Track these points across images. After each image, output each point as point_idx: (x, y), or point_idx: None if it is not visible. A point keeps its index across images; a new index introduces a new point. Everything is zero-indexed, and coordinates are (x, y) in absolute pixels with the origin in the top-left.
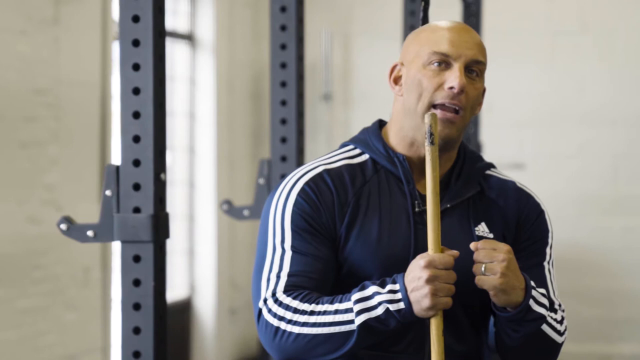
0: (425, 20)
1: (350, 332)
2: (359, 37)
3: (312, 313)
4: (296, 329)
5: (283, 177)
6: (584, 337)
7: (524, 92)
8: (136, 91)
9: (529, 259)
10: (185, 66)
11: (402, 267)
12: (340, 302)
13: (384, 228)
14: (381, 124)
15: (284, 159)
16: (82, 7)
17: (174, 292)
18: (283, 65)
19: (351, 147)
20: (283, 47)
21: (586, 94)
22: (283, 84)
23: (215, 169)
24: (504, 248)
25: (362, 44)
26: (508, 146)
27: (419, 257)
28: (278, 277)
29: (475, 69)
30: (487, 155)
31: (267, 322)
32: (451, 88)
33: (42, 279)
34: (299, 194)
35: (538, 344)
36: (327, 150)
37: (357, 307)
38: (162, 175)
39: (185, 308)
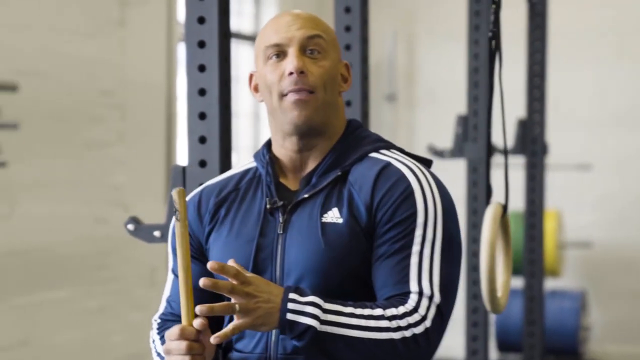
0: (496, 22)
1: None
2: (423, 37)
3: (158, 355)
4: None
5: None
6: None
7: (591, 93)
8: (202, 92)
9: (393, 244)
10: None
11: (247, 259)
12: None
13: (235, 226)
14: None
15: None
16: (148, 8)
17: None
18: None
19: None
20: (347, 47)
21: None
22: None
23: None
24: (239, 284)
25: (427, 44)
26: (574, 147)
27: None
28: (164, 301)
29: (313, 47)
30: (554, 156)
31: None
32: (290, 74)
33: (108, 279)
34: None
35: (364, 351)
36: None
37: None
38: None
39: None
